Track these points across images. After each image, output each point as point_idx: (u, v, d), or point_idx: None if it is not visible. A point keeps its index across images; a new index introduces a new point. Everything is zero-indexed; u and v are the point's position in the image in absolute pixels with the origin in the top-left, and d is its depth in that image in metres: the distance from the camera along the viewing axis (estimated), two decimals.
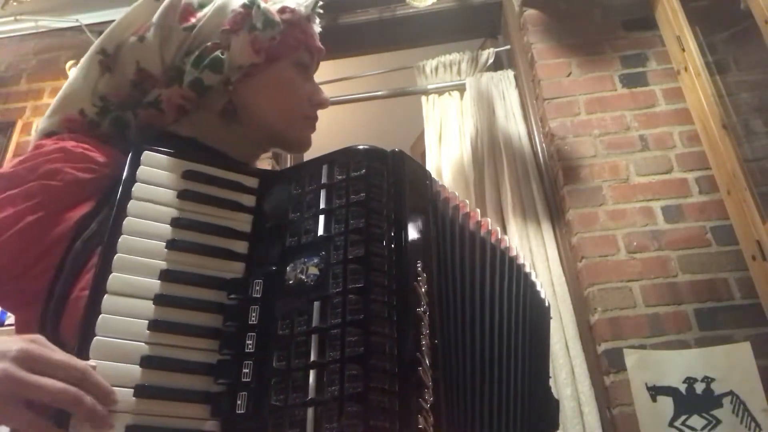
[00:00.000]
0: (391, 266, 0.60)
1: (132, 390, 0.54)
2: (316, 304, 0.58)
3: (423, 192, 0.70)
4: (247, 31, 0.77)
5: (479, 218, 0.79)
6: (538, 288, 0.88)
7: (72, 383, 0.50)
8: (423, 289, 0.61)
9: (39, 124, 0.76)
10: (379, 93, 2.60)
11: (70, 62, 2.45)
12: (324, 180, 0.65)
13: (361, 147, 0.68)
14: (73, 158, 0.68)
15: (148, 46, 0.76)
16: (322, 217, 0.63)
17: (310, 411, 0.53)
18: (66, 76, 2.46)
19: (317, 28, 0.88)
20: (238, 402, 0.56)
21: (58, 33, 2.69)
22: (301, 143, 0.85)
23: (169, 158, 0.67)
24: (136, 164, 0.65)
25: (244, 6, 0.77)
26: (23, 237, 0.62)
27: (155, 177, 0.65)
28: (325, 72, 2.74)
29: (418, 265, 0.62)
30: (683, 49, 2.10)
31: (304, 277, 0.60)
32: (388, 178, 0.65)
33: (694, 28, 2.09)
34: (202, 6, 0.79)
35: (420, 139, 2.62)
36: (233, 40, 0.76)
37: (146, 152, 0.66)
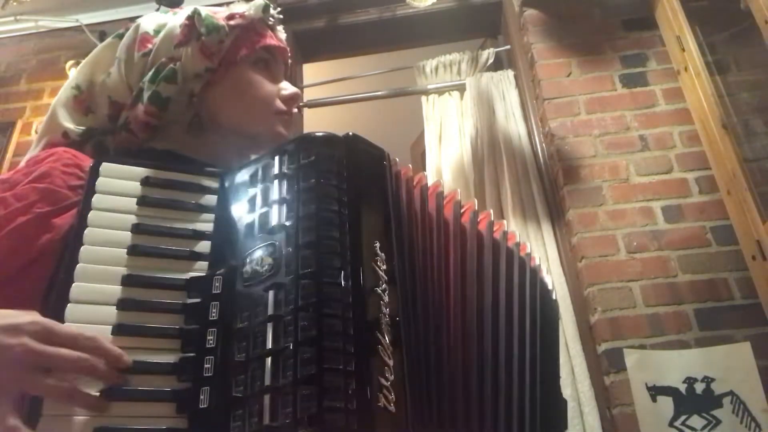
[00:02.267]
0: (344, 248, 0.61)
1: (98, 395, 0.55)
2: (270, 292, 0.59)
3: (380, 173, 0.69)
4: (195, 39, 0.80)
5: (442, 189, 0.78)
6: (521, 256, 0.85)
7: (84, 351, 0.54)
8: (382, 269, 0.61)
9: (27, 155, 0.80)
10: (379, 93, 2.60)
11: (70, 62, 2.45)
12: (276, 171, 0.66)
13: (313, 134, 0.68)
14: (63, 162, 0.70)
15: (115, 79, 0.82)
16: (275, 207, 0.64)
17: (267, 398, 0.54)
18: (66, 76, 2.46)
19: (281, 33, 0.89)
20: (201, 397, 0.57)
21: (58, 33, 2.69)
22: (275, 140, 0.84)
23: (126, 167, 0.69)
24: (95, 176, 0.66)
25: (187, 18, 0.81)
26: (15, 237, 0.63)
27: (114, 186, 0.67)
28: (325, 72, 2.75)
29: (376, 245, 0.63)
30: (683, 49, 2.10)
31: (259, 268, 0.61)
32: (340, 162, 0.66)
33: (694, 28, 2.09)
34: (158, 32, 0.83)
35: (420, 139, 2.62)
36: (184, 51, 0.80)
37: (104, 164, 0.68)
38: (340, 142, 0.68)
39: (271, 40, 0.86)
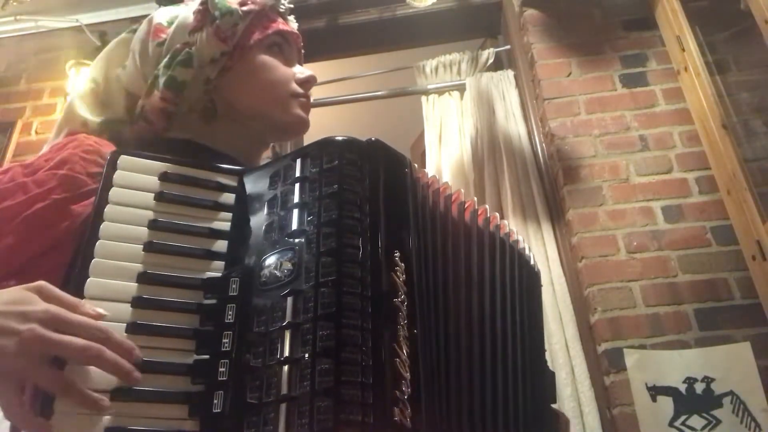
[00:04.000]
0: (365, 257, 0.60)
1: (109, 394, 0.53)
2: (289, 299, 0.57)
3: (401, 180, 0.68)
4: (210, 23, 0.80)
5: (463, 199, 0.77)
6: (531, 261, 0.87)
7: (94, 341, 0.53)
8: (401, 279, 0.60)
9: (45, 146, 0.80)
10: (379, 93, 2.60)
11: (70, 62, 2.45)
12: (298, 174, 0.65)
13: (336, 138, 0.67)
14: (83, 149, 0.70)
15: (130, 71, 0.82)
16: (296, 211, 0.63)
17: (283, 407, 0.53)
18: (66, 76, 2.46)
19: (293, 22, 0.90)
20: (215, 401, 0.55)
21: (58, 33, 2.69)
22: (297, 124, 0.84)
23: (145, 161, 0.67)
24: (113, 168, 0.65)
25: (201, 4, 0.81)
26: (32, 223, 0.63)
27: (131, 180, 0.66)
28: (325, 72, 2.75)
29: (396, 255, 0.61)
30: (683, 49, 2.10)
31: (278, 272, 0.60)
32: (363, 168, 0.65)
33: (694, 28, 2.09)
34: (171, 23, 0.83)
35: (420, 139, 2.62)
36: (199, 37, 0.80)
37: (122, 156, 0.67)
38: (363, 148, 0.67)
39: (283, 26, 0.86)
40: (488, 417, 0.68)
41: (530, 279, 0.86)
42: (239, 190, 0.69)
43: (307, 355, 0.54)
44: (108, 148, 0.71)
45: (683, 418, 1.67)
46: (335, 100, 2.65)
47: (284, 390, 0.53)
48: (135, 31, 0.85)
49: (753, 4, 1.77)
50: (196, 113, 0.82)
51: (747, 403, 1.65)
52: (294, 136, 0.89)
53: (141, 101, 0.80)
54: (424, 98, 2.46)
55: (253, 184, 0.69)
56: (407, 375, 0.56)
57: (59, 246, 0.64)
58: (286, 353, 0.55)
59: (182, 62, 0.79)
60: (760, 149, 2.02)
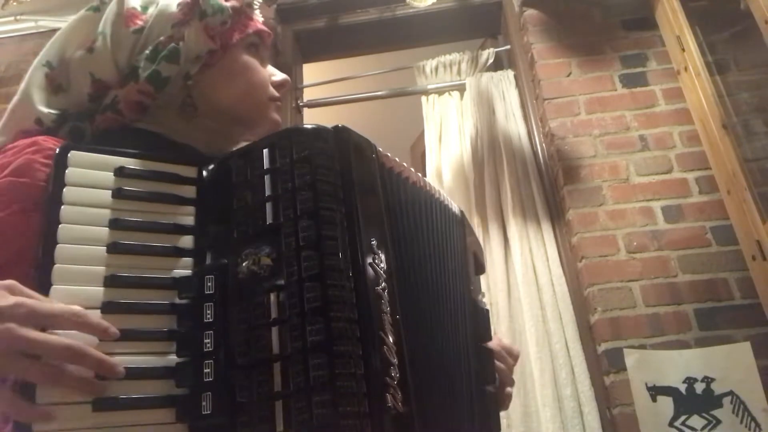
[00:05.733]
0: (345, 248, 0.59)
1: (90, 404, 0.52)
2: (272, 295, 0.56)
3: (370, 166, 0.67)
4: (198, 19, 0.77)
5: (420, 180, 0.77)
6: (452, 208, 0.85)
7: (71, 328, 0.52)
8: (380, 267, 0.61)
9: None
10: (379, 93, 2.60)
11: None
12: (266, 165, 0.63)
13: (302, 127, 0.66)
14: (44, 154, 0.65)
15: (100, 55, 0.76)
16: (269, 205, 0.61)
17: (278, 405, 0.52)
18: None
19: (260, 16, 0.87)
20: (203, 403, 0.54)
21: None
22: (271, 127, 0.84)
23: (98, 156, 0.64)
24: (63, 166, 0.61)
25: None
26: None
27: (85, 178, 0.61)
28: (325, 72, 2.75)
29: (373, 242, 0.62)
30: (683, 49, 2.10)
31: (256, 268, 0.58)
32: (334, 157, 0.63)
33: (694, 28, 2.09)
34: (145, 8, 0.79)
35: (420, 139, 2.62)
36: (186, 31, 0.77)
37: (72, 152, 0.62)
38: (330, 136, 0.65)
39: (260, 25, 0.85)
40: (456, 382, 0.71)
41: (455, 228, 0.84)
42: (200, 181, 0.66)
43: (298, 351, 0.54)
44: None
45: (683, 418, 1.67)
46: (335, 100, 2.65)
47: (277, 387, 0.53)
48: (96, 9, 0.79)
49: (753, 4, 1.77)
50: (172, 108, 0.78)
51: (747, 403, 1.65)
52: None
53: (114, 91, 0.76)
54: (424, 98, 2.46)
55: (216, 175, 0.67)
56: (395, 360, 0.57)
57: (21, 259, 0.60)
58: (276, 350, 0.54)
59: (168, 57, 0.75)
60: (760, 149, 2.02)
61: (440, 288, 0.74)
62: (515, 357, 0.89)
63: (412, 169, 0.77)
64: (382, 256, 0.62)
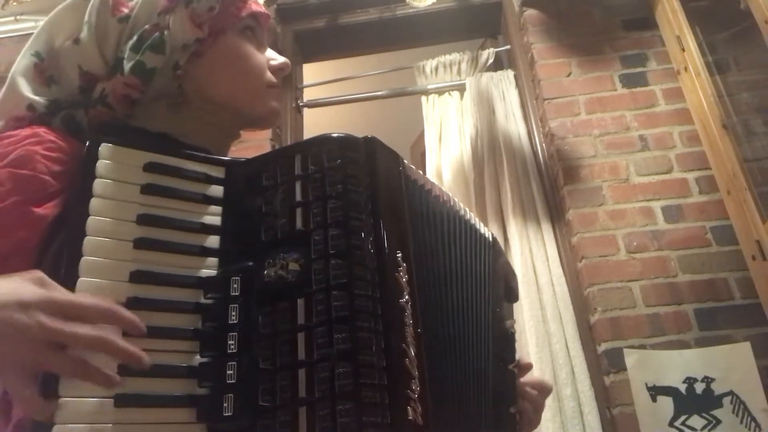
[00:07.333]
0: (372, 259, 0.59)
1: (113, 400, 0.52)
2: (300, 301, 0.56)
3: (396, 178, 0.68)
4: (184, 6, 0.73)
5: (444, 195, 0.77)
6: (482, 232, 0.85)
7: (102, 321, 0.51)
8: (404, 279, 0.61)
9: None
10: (379, 93, 2.60)
11: None
12: (298, 171, 0.63)
13: (333, 135, 0.65)
14: (44, 145, 0.64)
15: (85, 47, 0.73)
16: (299, 211, 0.61)
17: (302, 411, 0.52)
18: None
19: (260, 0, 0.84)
20: (225, 404, 0.54)
21: None
22: (270, 115, 0.81)
23: (129, 150, 0.63)
24: (94, 158, 0.60)
25: None
26: None
27: (116, 171, 0.61)
28: (325, 72, 2.75)
29: (398, 255, 0.62)
30: (683, 49, 2.10)
31: (284, 273, 0.58)
32: (363, 168, 0.63)
33: (694, 28, 2.09)
34: None
35: (420, 139, 2.62)
36: (171, 19, 0.72)
37: (104, 144, 0.61)
38: (361, 146, 0.65)
39: (256, 6, 0.80)
40: (473, 400, 0.71)
41: (481, 247, 0.84)
42: (228, 182, 0.66)
43: (324, 359, 0.54)
44: (71, 144, 0.66)
45: (683, 418, 1.67)
46: (335, 100, 2.65)
47: (302, 393, 0.53)
48: None
49: (753, 4, 1.77)
50: (161, 102, 0.75)
51: (747, 403, 1.65)
52: (265, 128, 0.85)
53: (101, 84, 0.72)
54: (424, 98, 2.46)
55: (244, 177, 0.66)
56: (416, 373, 0.57)
57: (21, 251, 0.58)
58: (302, 356, 0.54)
59: (152, 47, 0.71)
60: (760, 149, 2.02)
61: (461, 304, 0.73)
62: (546, 392, 0.88)
63: (435, 182, 0.76)
64: (406, 269, 0.62)
